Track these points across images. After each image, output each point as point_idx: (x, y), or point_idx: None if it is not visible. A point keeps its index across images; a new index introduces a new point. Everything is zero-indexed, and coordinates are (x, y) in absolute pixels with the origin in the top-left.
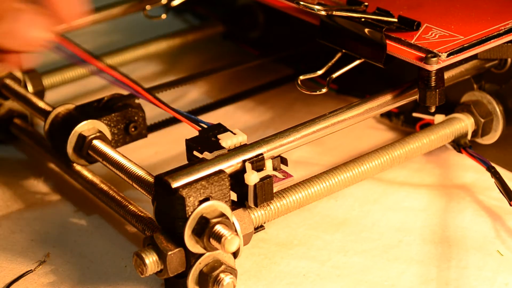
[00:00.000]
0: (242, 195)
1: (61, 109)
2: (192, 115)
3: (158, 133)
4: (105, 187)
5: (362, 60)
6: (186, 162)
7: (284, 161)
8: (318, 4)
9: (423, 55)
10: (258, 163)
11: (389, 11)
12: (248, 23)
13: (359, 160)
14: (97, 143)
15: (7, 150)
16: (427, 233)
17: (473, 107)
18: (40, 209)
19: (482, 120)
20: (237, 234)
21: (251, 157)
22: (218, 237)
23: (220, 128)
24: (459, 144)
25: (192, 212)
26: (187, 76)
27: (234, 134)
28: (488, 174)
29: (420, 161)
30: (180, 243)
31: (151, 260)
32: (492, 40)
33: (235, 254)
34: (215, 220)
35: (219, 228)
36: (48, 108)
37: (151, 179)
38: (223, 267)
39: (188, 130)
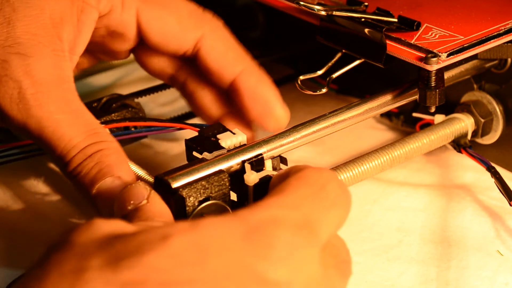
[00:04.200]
0: (242, 195)
1: None
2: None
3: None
4: None
5: (362, 60)
6: (186, 162)
7: (284, 161)
8: (318, 4)
9: (423, 55)
10: (257, 163)
11: (389, 11)
12: (248, 23)
13: (359, 160)
14: None
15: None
16: (427, 233)
17: (473, 107)
18: (40, 209)
19: (482, 120)
20: None
21: (251, 157)
22: None
23: (220, 128)
24: (459, 144)
25: (192, 212)
26: None
27: (234, 134)
28: (488, 174)
29: (420, 161)
30: None
31: None
32: (492, 40)
33: None
34: None
35: None
36: None
37: (151, 179)
38: None
39: (188, 130)
